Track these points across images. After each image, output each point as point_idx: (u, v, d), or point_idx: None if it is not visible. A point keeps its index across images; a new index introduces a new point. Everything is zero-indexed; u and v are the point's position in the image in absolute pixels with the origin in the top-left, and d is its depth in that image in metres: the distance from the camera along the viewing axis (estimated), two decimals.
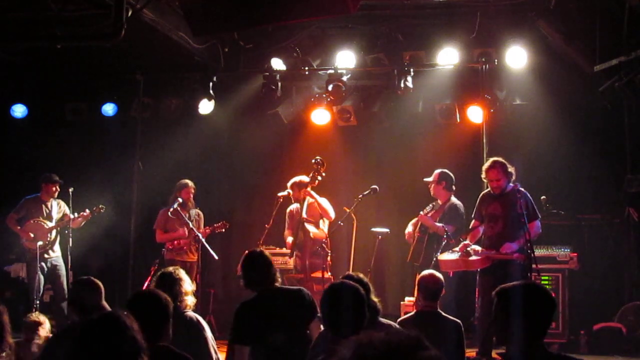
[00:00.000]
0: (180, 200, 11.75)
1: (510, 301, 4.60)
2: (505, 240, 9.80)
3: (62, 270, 12.11)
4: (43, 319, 8.53)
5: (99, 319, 3.87)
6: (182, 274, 6.90)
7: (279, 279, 6.90)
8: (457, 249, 10.18)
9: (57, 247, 12.21)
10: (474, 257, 9.99)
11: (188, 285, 6.86)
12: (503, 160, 10.02)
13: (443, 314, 7.32)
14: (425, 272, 7.58)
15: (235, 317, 6.72)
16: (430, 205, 11.22)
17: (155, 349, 4.83)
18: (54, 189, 12.10)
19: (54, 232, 12.07)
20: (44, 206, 12.14)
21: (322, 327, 6.43)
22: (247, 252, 7.07)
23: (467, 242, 10.08)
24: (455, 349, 6.56)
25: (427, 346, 2.20)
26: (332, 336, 4.66)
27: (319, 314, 6.35)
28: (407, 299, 11.18)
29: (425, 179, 11.20)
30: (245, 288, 6.81)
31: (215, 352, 6.66)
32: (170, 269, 7.05)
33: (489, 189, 10.21)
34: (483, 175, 10.18)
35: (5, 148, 13.78)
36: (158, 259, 11.64)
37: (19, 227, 12.06)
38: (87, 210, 12.08)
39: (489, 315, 9.67)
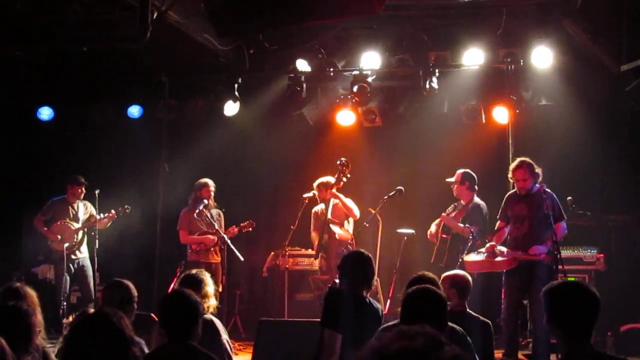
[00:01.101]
0: (205, 202, 11.75)
1: (560, 299, 4.58)
2: (531, 241, 9.76)
3: (89, 271, 12.18)
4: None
5: (88, 317, 3.94)
6: (205, 276, 6.92)
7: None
8: (483, 250, 10.15)
9: (84, 248, 12.28)
10: (500, 258, 9.96)
11: (210, 288, 6.88)
12: (530, 161, 9.99)
13: (472, 313, 7.29)
14: (454, 271, 7.56)
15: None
16: (453, 205, 11.19)
17: (183, 347, 4.85)
18: (79, 190, 12.18)
19: (80, 233, 12.14)
20: (70, 208, 12.22)
21: None
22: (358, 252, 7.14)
23: (493, 243, 10.05)
24: (483, 349, 6.51)
25: (445, 344, 2.18)
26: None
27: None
28: None
29: (448, 179, 11.17)
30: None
31: (229, 356, 6.65)
32: (194, 271, 7.08)
33: (515, 189, 10.17)
34: (510, 175, 10.16)
35: (32, 150, 13.85)
36: (184, 260, 11.68)
37: (45, 229, 12.13)
38: (113, 211, 12.15)
39: (514, 315, 9.68)
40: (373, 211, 11.45)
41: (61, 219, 12.13)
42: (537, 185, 9.93)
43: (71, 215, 12.19)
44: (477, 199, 11.04)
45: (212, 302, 6.83)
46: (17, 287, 6.28)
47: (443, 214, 10.97)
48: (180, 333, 5.03)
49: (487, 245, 10.09)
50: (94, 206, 12.27)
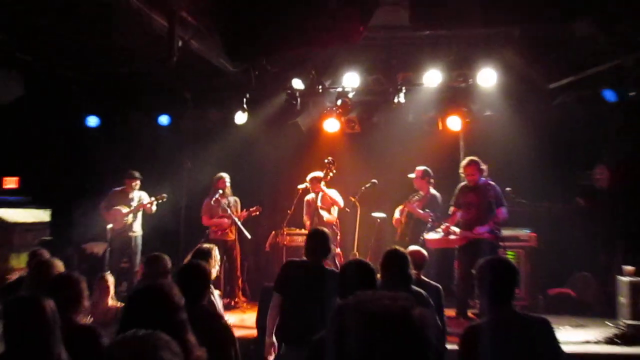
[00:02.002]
0: (220, 191, 11.76)
1: (485, 273, 4.61)
2: (478, 223, 9.81)
3: (138, 248, 12.19)
4: (111, 279, 8.64)
5: (144, 287, 3.89)
6: (214, 250, 6.88)
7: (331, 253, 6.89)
8: (440, 230, 10.17)
9: (137, 228, 12.30)
10: (453, 237, 9.99)
11: (214, 260, 6.83)
12: (477, 159, 10.03)
13: (425, 279, 7.35)
14: (411, 248, 7.59)
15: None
16: (416, 196, 11.18)
17: (197, 308, 4.85)
18: (134, 183, 12.23)
19: (130, 216, 12.12)
20: (126, 196, 12.23)
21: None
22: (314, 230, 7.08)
23: (447, 224, 10.08)
24: (435, 308, 6.55)
25: (420, 307, 2.18)
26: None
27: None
28: None
29: (410, 175, 11.18)
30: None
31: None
32: (205, 245, 7.04)
33: (465, 182, 10.18)
34: (461, 171, 10.19)
35: (81, 151, 13.81)
36: (204, 238, 11.68)
37: (106, 212, 12.19)
38: (153, 198, 12.16)
39: (465, 282, 9.70)
40: (353, 199, 11.48)
41: (118, 206, 12.13)
42: (483, 179, 9.96)
43: (126, 202, 12.19)
44: (433, 190, 11.05)
45: (213, 272, 6.78)
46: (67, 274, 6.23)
47: (407, 202, 10.97)
48: (195, 296, 5.02)
49: (443, 226, 10.13)
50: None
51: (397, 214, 11.24)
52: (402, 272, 5.65)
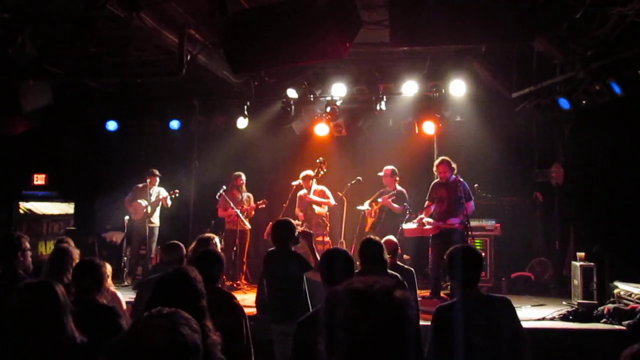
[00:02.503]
0: (224, 187, 11.74)
1: (454, 259, 4.64)
2: (449, 215, 9.84)
3: (155, 237, 12.18)
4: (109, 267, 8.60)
5: (172, 272, 3.90)
6: (214, 239, 6.87)
7: (298, 242, 6.90)
8: (415, 221, 10.21)
9: (156, 219, 12.26)
10: (427, 227, 10.02)
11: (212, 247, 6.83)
12: (449, 159, 10.06)
13: (400, 263, 7.46)
14: (386, 237, 7.64)
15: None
16: (383, 192, 11.17)
17: (212, 289, 4.89)
18: (155, 179, 12.21)
19: (149, 209, 12.10)
20: (146, 191, 12.19)
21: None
22: (276, 221, 7.10)
23: (422, 216, 10.11)
24: (410, 289, 6.61)
25: (400, 289, 2.21)
26: (327, 287, 4.65)
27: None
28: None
29: (379, 174, 11.20)
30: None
31: None
32: (205, 235, 7.02)
33: (438, 179, 10.22)
34: (434, 169, 10.20)
35: (102, 152, 13.79)
36: (209, 228, 11.67)
37: (129, 205, 12.19)
38: (167, 194, 12.14)
39: (438, 267, 9.74)
40: (340, 194, 11.51)
41: (139, 199, 12.12)
42: (454, 176, 9.99)
43: (146, 197, 12.16)
44: (399, 187, 11.11)
45: None
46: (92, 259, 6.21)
47: (385, 197, 10.95)
48: (212, 278, 5.06)
49: (418, 217, 10.17)
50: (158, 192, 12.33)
51: (366, 206, 11.27)
52: (378, 256, 5.69)
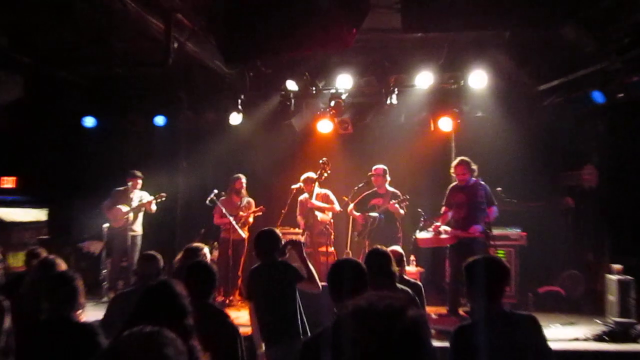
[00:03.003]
0: (215, 191, 11.74)
1: (474, 271, 4.62)
2: (468, 222, 9.83)
3: (138, 247, 12.15)
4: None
5: (155, 285, 3.90)
6: (203, 250, 6.87)
7: (285, 254, 6.89)
8: (430, 229, 10.21)
9: (138, 227, 12.23)
10: (444, 236, 10.02)
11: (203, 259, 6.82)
12: (467, 160, 10.06)
13: (406, 277, 7.48)
14: (391, 247, 7.64)
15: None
16: (380, 195, 11.15)
17: (203, 306, 4.87)
18: (136, 182, 12.17)
19: (131, 215, 12.09)
20: (128, 195, 12.18)
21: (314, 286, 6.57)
22: (259, 232, 7.07)
23: (438, 223, 10.11)
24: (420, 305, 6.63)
25: (413, 307, 2.21)
26: (336, 303, 4.61)
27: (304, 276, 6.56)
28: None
29: (370, 174, 11.20)
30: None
31: None
32: (194, 245, 7.02)
33: (456, 182, 10.22)
34: (451, 171, 10.20)
35: (79, 151, 13.80)
36: (198, 237, 11.67)
37: (108, 211, 12.17)
38: (152, 197, 12.15)
39: (457, 280, 9.72)
40: (346, 199, 11.49)
41: (119, 204, 12.13)
42: (474, 178, 9.99)
43: (127, 201, 12.16)
44: (390, 187, 11.13)
45: None
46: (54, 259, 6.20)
47: (391, 203, 10.90)
48: (203, 294, 5.06)
49: (434, 225, 10.16)
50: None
51: (375, 213, 11.14)
52: (385, 269, 5.67)
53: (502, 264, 4.73)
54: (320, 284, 6.61)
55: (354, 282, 4.64)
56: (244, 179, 12.14)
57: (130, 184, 12.16)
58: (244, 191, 12.13)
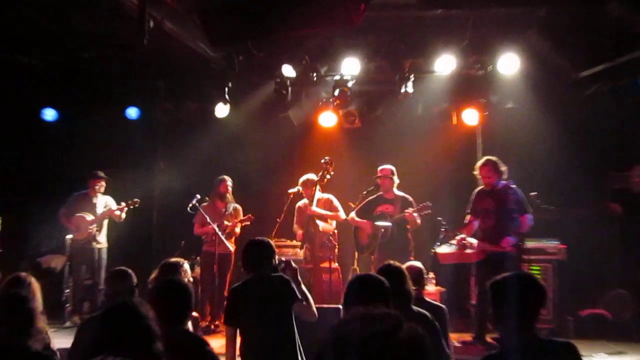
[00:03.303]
0: (199, 196, 11.74)
1: (503, 291, 4.61)
2: (497, 233, 9.82)
3: (104, 262, 12.17)
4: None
5: (117, 307, 3.90)
6: (184, 265, 6.86)
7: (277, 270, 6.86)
8: (454, 241, 10.21)
9: (103, 238, 12.28)
10: (470, 250, 10.01)
11: (184, 276, 6.80)
12: (495, 159, 10.06)
13: (427, 299, 7.41)
14: (409, 263, 7.62)
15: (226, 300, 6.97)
16: (388, 200, 11.15)
17: (177, 332, 4.86)
18: (98, 185, 12.21)
19: (95, 225, 12.09)
20: (90, 201, 12.20)
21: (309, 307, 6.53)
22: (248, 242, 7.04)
23: (463, 235, 10.10)
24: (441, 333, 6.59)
25: (404, 323, 2.21)
26: None
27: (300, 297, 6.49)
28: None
29: (375, 176, 11.18)
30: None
31: None
32: (172, 260, 7.01)
33: (482, 186, 10.22)
34: (476, 172, 10.20)
35: (37, 149, 13.79)
36: (179, 250, 11.67)
37: (66, 220, 12.18)
38: (123, 203, 12.17)
39: (484, 302, 9.72)
40: (353, 205, 11.50)
41: (81, 212, 12.11)
42: (503, 181, 9.98)
43: (90, 208, 12.17)
44: (399, 192, 11.13)
45: None
46: (20, 276, 6.23)
47: (409, 212, 10.88)
48: (176, 318, 5.03)
49: (458, 237, 10.15)
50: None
51: (386, 222, 11.09)
52: (399, 288, 5.65)
53: (536, 283, 4.73)
54: (316, 312, 6.62)
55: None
56: (229, 182, 12.14)
57: (94, 186, 12.16)
58: (229, 196, 12.13)
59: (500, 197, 9.93)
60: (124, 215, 12.24)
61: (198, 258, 12.05)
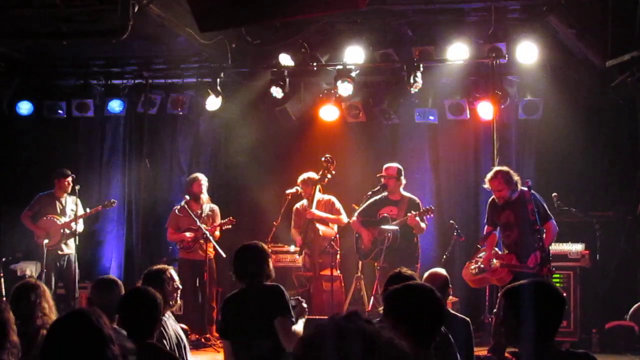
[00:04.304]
0: (187, 197, 11.72)
1: (518, 301, 4.57)
2: (523, 247, 9.56)
3: (75, 270, 12.12)
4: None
5: (65, 316, 3.91)
6: (168, 273, 6.80)
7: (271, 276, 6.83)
8: (479, 261, 9.98)
9: (71, 243, 12.18)
10: (499, 271, 9.78)
11: (169, 285, 6.73)
12: (506, 170, 9.80)
13: (451, 311, 7.34)
14: (435, 270, 7.57)
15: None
16: (393, 202, 11.11)
17: (143, 346, 4.86)
18: (66, 183, 12.11)
19: (66, 229, 12.06)
20: (57, 202, 12.13)
21: (293, 326, 6.47)
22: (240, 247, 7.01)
23: (489, 256, 9.85)
24: (465, 347, 6.52)
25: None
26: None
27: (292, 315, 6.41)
28: None
29: (380, 174, 11.14)
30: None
31: None
32: (156, 267, 6.95)
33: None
34: (486, 185, 9.99)
35: (10, 145, 13.77)
36: (166, 257, 11.65)
37: (32, 224, 12.09)
38: (100, 206, 12.13)
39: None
40: (357, 207, 11.46)
41: (48, 214, 12.06)
42: (518, 189, 9.80)
43: (58, 210, 12.09)
44: (406, 193, 11.09)
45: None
46: None
47: (411, 215, 10.83)
48: (142, 331, 5.04)
49: (482, 256, 9.95)
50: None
51: (392, 226, 11.03)
52: None
53: (555, 291, 4.69)
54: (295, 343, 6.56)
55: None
56: (203, 180, 12.00)
57: (61, 185, 12.09)
58: (204, 196, 12.00)
59: (519, 208, 9.75)
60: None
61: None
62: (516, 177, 9.76)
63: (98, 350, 3.70)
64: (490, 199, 10.16)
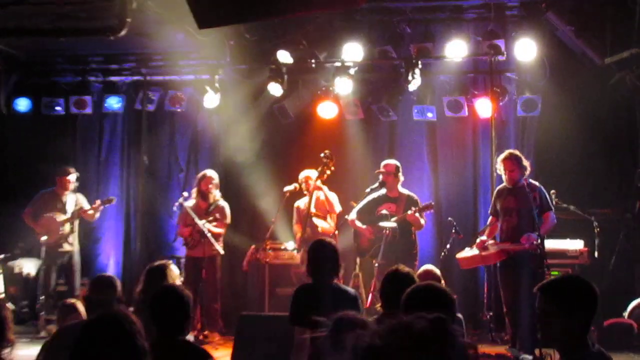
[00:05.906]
0: (185, 194, 11.70)
1: (555, 296, 4.46)
2: (521, 233, 9.75)
3: (77, 265, 12.11)
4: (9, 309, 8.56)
5: (98, 321, 3.82)
6: (169, 269, 6.77)
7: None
8: (475, 246, 10.14)
9: (74, 240, 12.19)
10: (490, 251, 9.95)
11: (171, 281, 6.72)
12: (519, 153, 10.01)
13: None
14: (427, 267, 7.57)
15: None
16: (391, 199, 11.09)
17: (175, 343, 4.84)
18: (68, 181, 12.08)
19: (67, 226, 12.03)
20: (59, 200, 12.11)
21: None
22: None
23: (484, 238, 10.04)
24: None
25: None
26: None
27: None
28: None
29: (378, 171, 11.12)
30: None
31: None
32: (156, 264, 6.94)
33: (503, 184, 10.18)
34: (498, 166, 10.12)
35: (9, 142, 13.75)
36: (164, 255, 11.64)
37: (33, 221, 12.07)
38: (98, 201, 12.10)
39: (513, 309, 9.66)
40: (355, 204, 11.43)
41: (49, 212, 12.04)
42: (524, 179, 9.92)
43: (59, 208, 12.09)
44: (404, 189, 11.06)
45: None
46: None
47: (411, 212, 10.83)
48: (175, 328, 5.04)
49: (478, 241, 10.09)
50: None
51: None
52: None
53: (591, 287, 4.56)
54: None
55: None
56: (215, 176, 11.92)
57: (64, 183, 12.07)
58: (213, 194, 11.88)
59: (522, 194, 9.86)
60: (97, 215, 12.16)
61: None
62: (526, 162, 9.89)
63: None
64: (498, 188, 10.22)
